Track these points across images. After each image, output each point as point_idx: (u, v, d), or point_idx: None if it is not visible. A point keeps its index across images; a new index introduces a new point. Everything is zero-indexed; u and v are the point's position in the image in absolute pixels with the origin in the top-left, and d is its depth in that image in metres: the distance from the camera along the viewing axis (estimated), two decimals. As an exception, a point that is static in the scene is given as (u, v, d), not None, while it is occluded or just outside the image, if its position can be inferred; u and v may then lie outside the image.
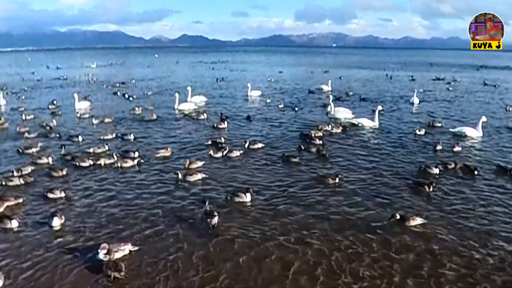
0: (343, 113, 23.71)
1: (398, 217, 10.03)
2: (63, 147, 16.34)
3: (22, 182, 12.74)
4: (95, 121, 22.08)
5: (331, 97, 25.89)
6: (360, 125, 21.39)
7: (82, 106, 27.43)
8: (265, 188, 12.51)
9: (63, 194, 11.66)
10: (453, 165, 14.26)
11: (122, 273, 7.70)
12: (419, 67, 74.52)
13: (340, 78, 47.51)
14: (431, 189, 12.14)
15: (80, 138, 18.21)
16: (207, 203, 10.66)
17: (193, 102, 28.40)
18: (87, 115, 24.31)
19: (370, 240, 9.30)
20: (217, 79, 46.22)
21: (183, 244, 9.08)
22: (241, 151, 16.10)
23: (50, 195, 11.60)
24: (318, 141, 17.71)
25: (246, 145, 16.96)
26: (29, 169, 13.70)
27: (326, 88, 36.70)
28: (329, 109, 24.52)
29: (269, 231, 9.72)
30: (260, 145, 17.13)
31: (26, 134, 18.97)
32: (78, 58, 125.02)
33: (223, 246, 9.03)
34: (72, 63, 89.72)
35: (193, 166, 14.30)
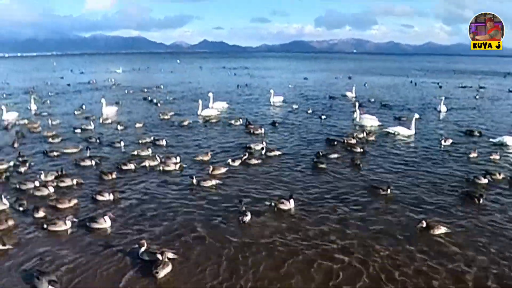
0: (370, 121, 23.48)
1: (424, 225, 9.91)
2: (88, 149, 16.84)
3: (75, 183, 13.15)
4: (119, 127, 22.24)
5: (356, 104, 25.66)
6: (396, 133, 20.95)
7: (109, 111, 27.64)
8: (302, 196, 12.48)
9: (111, 197, 11.93)
10: (498, 176, 13.74)
11: (164, 272, 8.02)
12: (443, 73, 73.43)
13: (364, 85, 46.98)
14: (481, 201, 11.70)
15: (122, 144, 18.45)
16: (243, 202, 11.24)
17: (215, 108, 28.66)
18: (111, 121, 24.53)
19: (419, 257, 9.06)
20: (238, 85, 46.59)
21: (220, 248, 9.25)
22: (259, 160, 16.07)
23: (99, 197, 11.90)
24: (358, 149, 17.45)
25: (263, 151, 16.94)
26: (54, 174, 13.93)
27: (350, 94, 36.53)
28: (355, 116, 24.37)
29: (305, 240, 9.76)
30: (277, 152, 16.98)
31: (51, 139, 19.36)
32: (101, 63, 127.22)
33: (253, 252, 9.15)
34: (97, 68, 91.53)
35: (217, 172, 14.35)
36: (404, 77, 62.01)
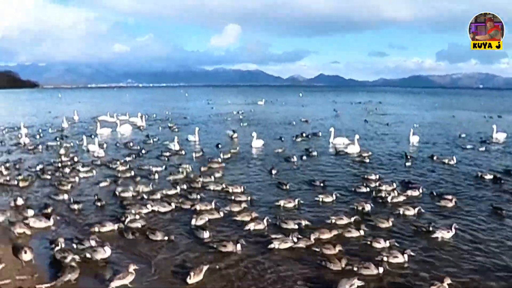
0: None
1: None
2: (197, 169, 19.55)
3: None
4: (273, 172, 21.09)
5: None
6: None
7: (257, 144, 28.85)
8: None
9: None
10: None
11: None
12: None
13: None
14: None
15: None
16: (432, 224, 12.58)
17: (338, 143, 29.43)
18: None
19: None
20: (365, 120, 46.75)
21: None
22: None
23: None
24: None
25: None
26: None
27: (500, 136, 33.09)
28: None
29: None
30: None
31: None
32: (228, 94, 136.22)
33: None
34: (229, 99, 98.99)
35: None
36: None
